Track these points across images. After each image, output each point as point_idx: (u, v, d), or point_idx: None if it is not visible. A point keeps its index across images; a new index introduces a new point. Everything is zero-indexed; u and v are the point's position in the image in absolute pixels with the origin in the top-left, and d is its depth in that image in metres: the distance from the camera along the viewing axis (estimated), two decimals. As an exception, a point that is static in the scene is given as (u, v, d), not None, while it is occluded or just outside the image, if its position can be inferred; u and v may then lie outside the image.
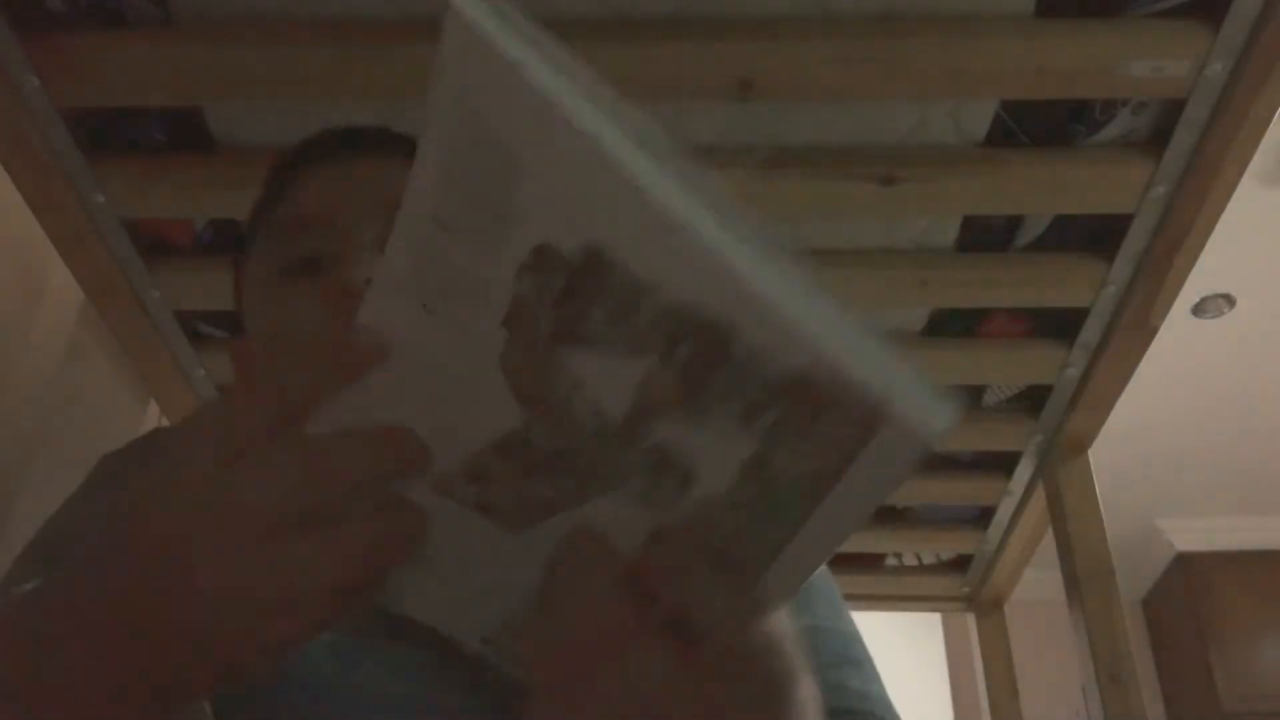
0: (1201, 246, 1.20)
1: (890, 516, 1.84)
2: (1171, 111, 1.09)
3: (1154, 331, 1.32)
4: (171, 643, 0.36)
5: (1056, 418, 1.50)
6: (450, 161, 0.32)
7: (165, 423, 1.58)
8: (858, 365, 0.29)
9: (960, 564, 1.98)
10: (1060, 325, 1.37)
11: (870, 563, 2.01)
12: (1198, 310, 2.77)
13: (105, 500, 0.69)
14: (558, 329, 0.33)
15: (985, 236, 1.27)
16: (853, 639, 0.65)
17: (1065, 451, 1.53)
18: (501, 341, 0.34)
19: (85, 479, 0.74)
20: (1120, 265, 1.25)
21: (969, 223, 1.26)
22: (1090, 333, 1.35)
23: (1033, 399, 1.51)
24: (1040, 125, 1.14)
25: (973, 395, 1.54)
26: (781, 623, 0.38)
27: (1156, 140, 1.13)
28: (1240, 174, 1.11)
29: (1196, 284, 2.09)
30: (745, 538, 0.35)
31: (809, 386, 0.29)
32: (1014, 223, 1.26)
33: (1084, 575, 1.45)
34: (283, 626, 0.36)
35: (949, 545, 1.92)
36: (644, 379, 0.32)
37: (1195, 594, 3.65)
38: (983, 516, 1.81)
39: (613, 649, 0.35)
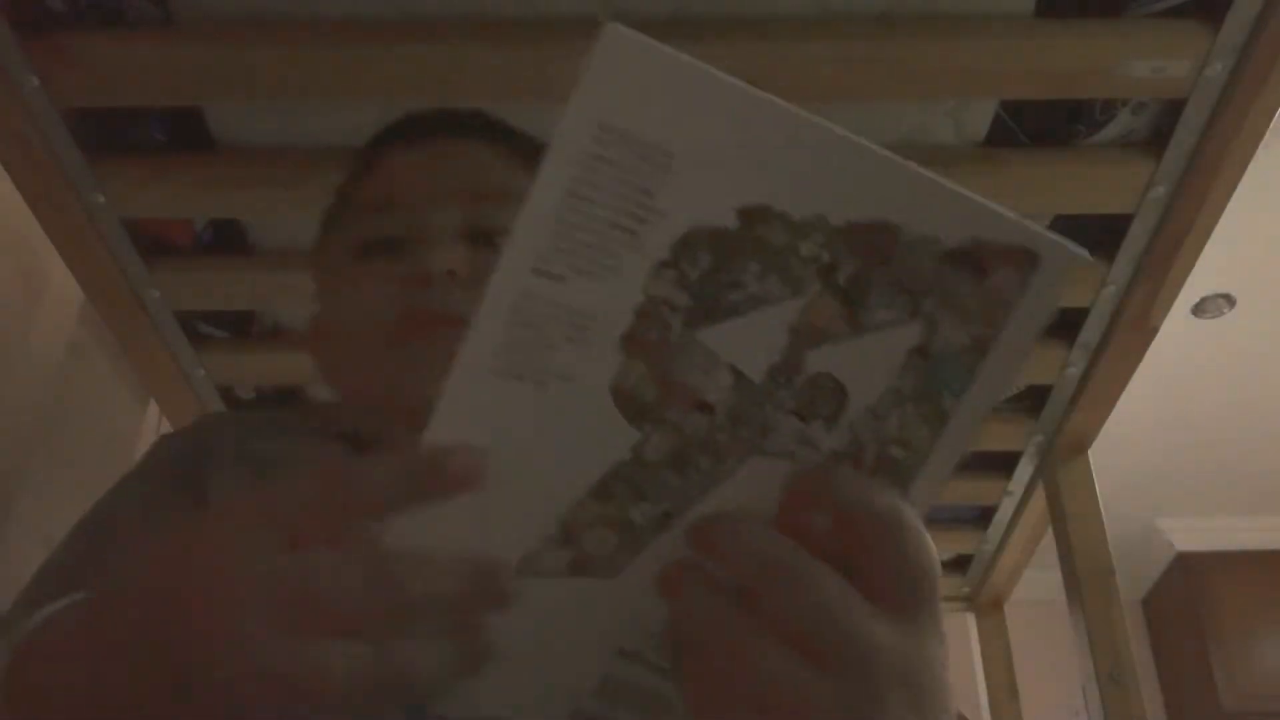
0: (1202, 246, 1.20)
1: (890, 516, 1.84)
2: (1171, 111, 1.09)
3: (1154, 331, 1.32)
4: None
5: (1056, 418, 1.50)
6: (572, 199, 0.33)
7: (165, 424, 1.58)
8: (1008, 217, 0.35)
9: (960, 564, 1.98)
10: (1060, 325, 1.37)
11: (870, 563, 2.01)
12: (1198, 310, 2.77)
13: (157, 489, 0.68)
14: (699, 309, 0.35)
15: (985, 236, 1.27)
16: None
17: (1065, 451, 1.53)
18: (614, 367, 0.35)
19: (142, 459, 0.73)
20: (1120, 265, 1.25)
21: (969, 223, 1.26)
22: (1090, 333, 1.35)
23: (1033, 399, 1.51)
24: (1040, 125, 1.14)
25: (973, 395, 1.54)
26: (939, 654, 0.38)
27: (1156, 140, 1.13)
28: (1241, 174, 1.11)
29: (1196, 284, 2.08)
30: (905, 435, 0.38)
31: (976, 251, 0.35)
32: (1014, 223, 1.26)
33: (1084, 575, 1.45)
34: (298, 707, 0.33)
35: (949, 545, 1.92)
36: (801, 315, 0.35)
37: (1195, 594, 3.65)
38: (982, 516, 1.81)
39: (753, 673, 0.34)
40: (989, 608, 2.03)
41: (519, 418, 0.35)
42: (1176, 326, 2.44)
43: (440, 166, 0.71)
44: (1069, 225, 1.25)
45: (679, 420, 0.36)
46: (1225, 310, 2.78)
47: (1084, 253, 0.36)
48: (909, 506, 0.37)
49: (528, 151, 0.75)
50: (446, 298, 0.66)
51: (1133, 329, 1.31)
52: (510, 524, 0.37)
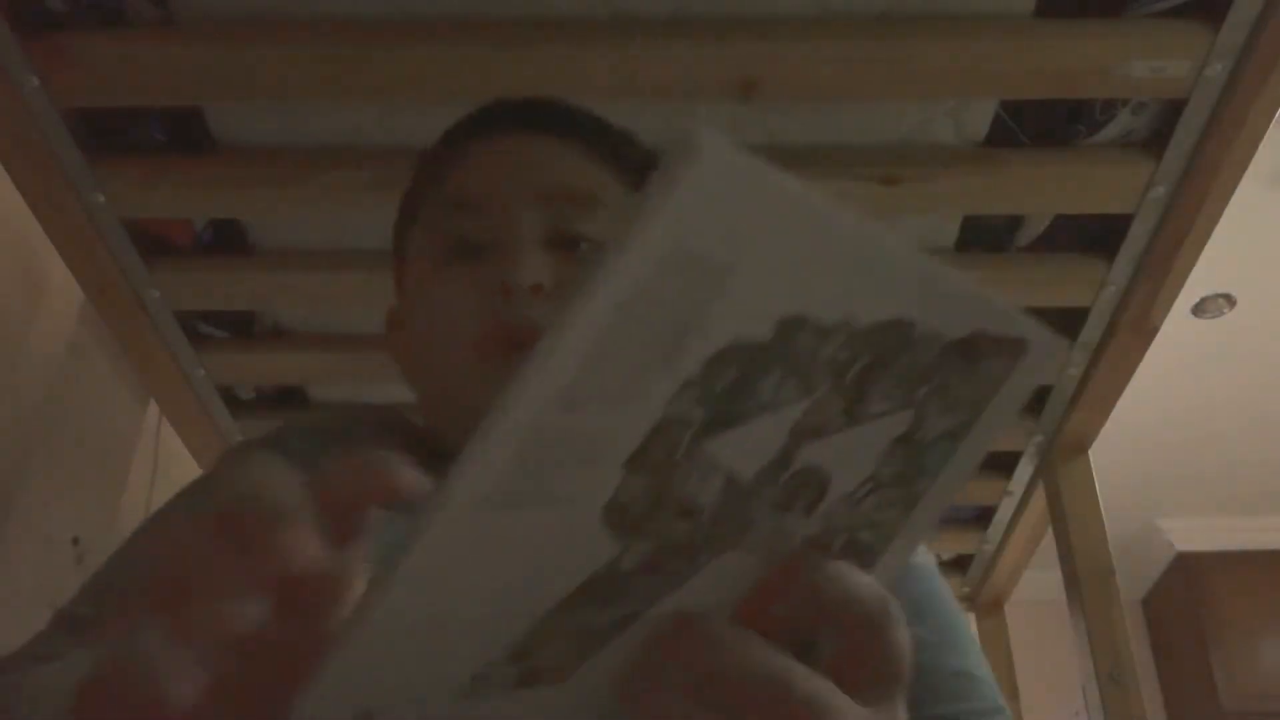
0: (1202, 246, 1.20)
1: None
2: (1171, 112, 1.09)
3: (1154, 331, 1.32)
4: None
5: (1057, 418, 1.50)
6: (618, 327, 0.28)
7: (165, 424, 1.58)
8: (1009, 312, 0.36)
9: (960, 564, 1.98)
10: (1060, 325, 1.37)
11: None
12: (1198, 310, 2.77)
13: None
14: (712, 422, 0.32)
15: (985, 237, 1.27)
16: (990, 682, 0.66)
17: (1065, 451, 1.53)
18: (612, 486, 0.31)
19: (212, 468, 0.75)
20: (1120, 265, 1.25)
21: (969, 223, 1.26)
22: (1090, 333, 1.35)
23: (1033, 399, 1.51)
24: (1040, 125, 1.14)
25: (973, 395, 1.54)
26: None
27: (1156, 140, 1.13)
28: (1241, 174, 1.11)
29: (1196, 284, 2.08)
30: (877, 519, 0.38)
31: (974, 342, 0.35)
32: (1014, 223, 1.26)
33: (1084, 575, 1.45)
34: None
35: (949, 545, 1.92)
36: (805, 415, 0.33)
37: (1195, 594, 3.65)
38: (983, 516, 1.81)
39: None
40: (989, 608, 2.03)
41: (505, 543, 0.31)
42: (1176, 326, 2.45)
43: (528, 166, 0.69)
44: (1069, 225, 1.25)
45: (662, 529, 0.33)
46: (1225, 310, 2.78)
47: (1064, 342, 0.38)
48: (893, 599, 0.36)
49: (619, 151, 0.74)
50: (531, 313, 0.65)
51: (1133, 329, 1.31)
52: (469, 644, 0.33)
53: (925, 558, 0.72)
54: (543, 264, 0.66)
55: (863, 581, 0.36)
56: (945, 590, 0.69)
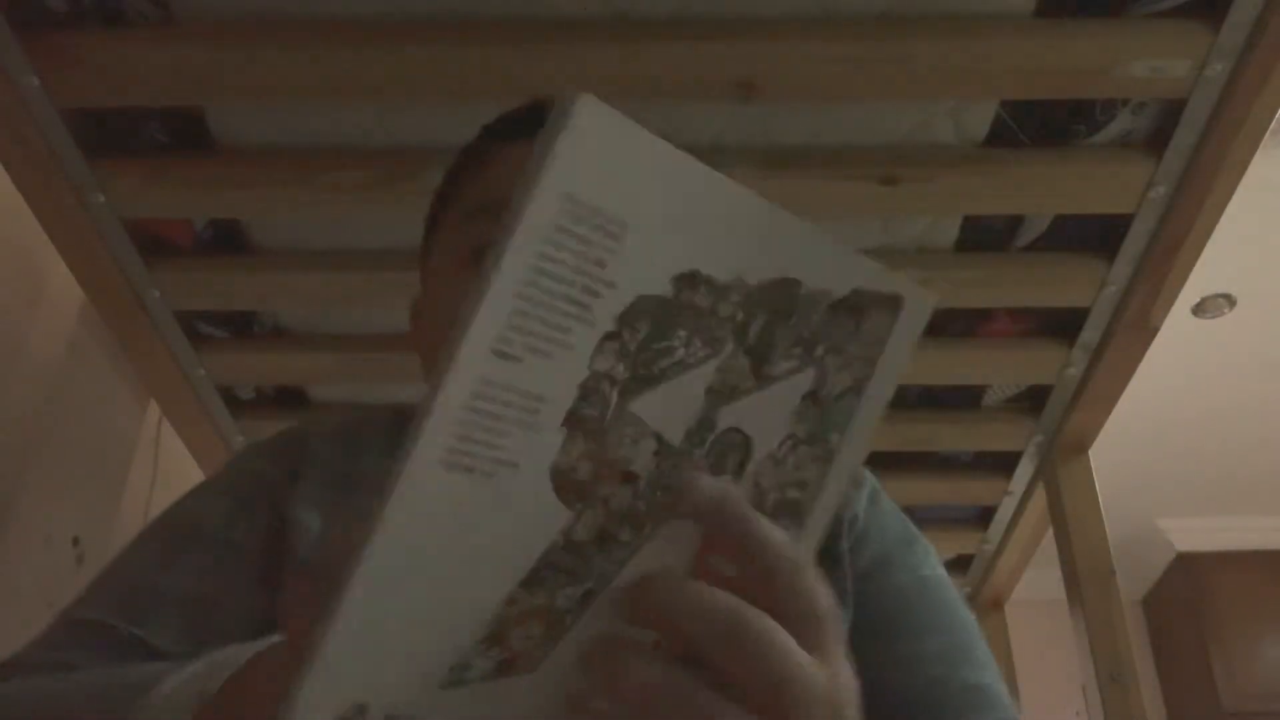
0: (1202, 246, 1.20)
1: (890, 516, 1.84)
2: (1172, 111, 1.09)
3: (1154, 331, 1.32)
4: None
5: (1057, 418, 1.50)
6: (534, 273, 0.31)
7: (165, 424, 1.58)
8: (880, 269, 0.39)
9: (961, 564, 1.98)
10: (1061, 325, 1.37)
11: (870, 563, 2.01)
12: (1198, 310, 2.77)
13: (237, 504, 0.69)
14: (634, 379, 0.35)
15: (985, 236, 1.27)
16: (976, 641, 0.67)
17: (1065, 451, 1.53)
18: (555, 449, 0.34)
19: (226, 468, 0.75)
20: (1120, 265, 1.25)
21: (969, 223, 1.26)
22: (1091, 333, 1.35)
23: (1033, 399, 1.51)
24: (1040, 125, 1.14)
25: (973, 395, 1.54)
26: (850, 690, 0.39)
27: (1157, 140, 1.13)
28: (1241, 174, 1.11)
29: (1197, 284, 2.08)
30: (801, 476, 0.41)
31: (855, 301, 0.39)
32: (1014, 223, 1.26)
33: (1084, 575, 1.45)
34: None
35: (950, 545, 1.92)
36: (716, 375, 0.37)
37: (1195, 594, 3.65)
38: (983, 516, 1.81)
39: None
40: (989, 607, 2.03)
41: (463, 514, 0.32)
42: (1176, 326, 2.45)
43: None
44: (1069, 225, 1.25)
45: (606, 495, 0.35)
46: (1225, 310, 2.77)
47: (933, 295, 0.42)
48: (802, 546, 0.39)
49: None
50: None
51: (1133, 329, 1.31)
52: (447, 630, 0.34)
53: (939, 570, 0.71)
54: None
55: (769, 530, 0.37)
56: (959, 601, 0.70)
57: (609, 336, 0.33)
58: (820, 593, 0.38)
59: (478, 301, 0.31)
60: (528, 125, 0.73)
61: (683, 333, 0.35)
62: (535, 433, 0.33)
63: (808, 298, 0.38)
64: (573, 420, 0.33)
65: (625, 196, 0.32)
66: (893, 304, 0.40)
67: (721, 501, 0.36)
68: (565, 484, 0.34)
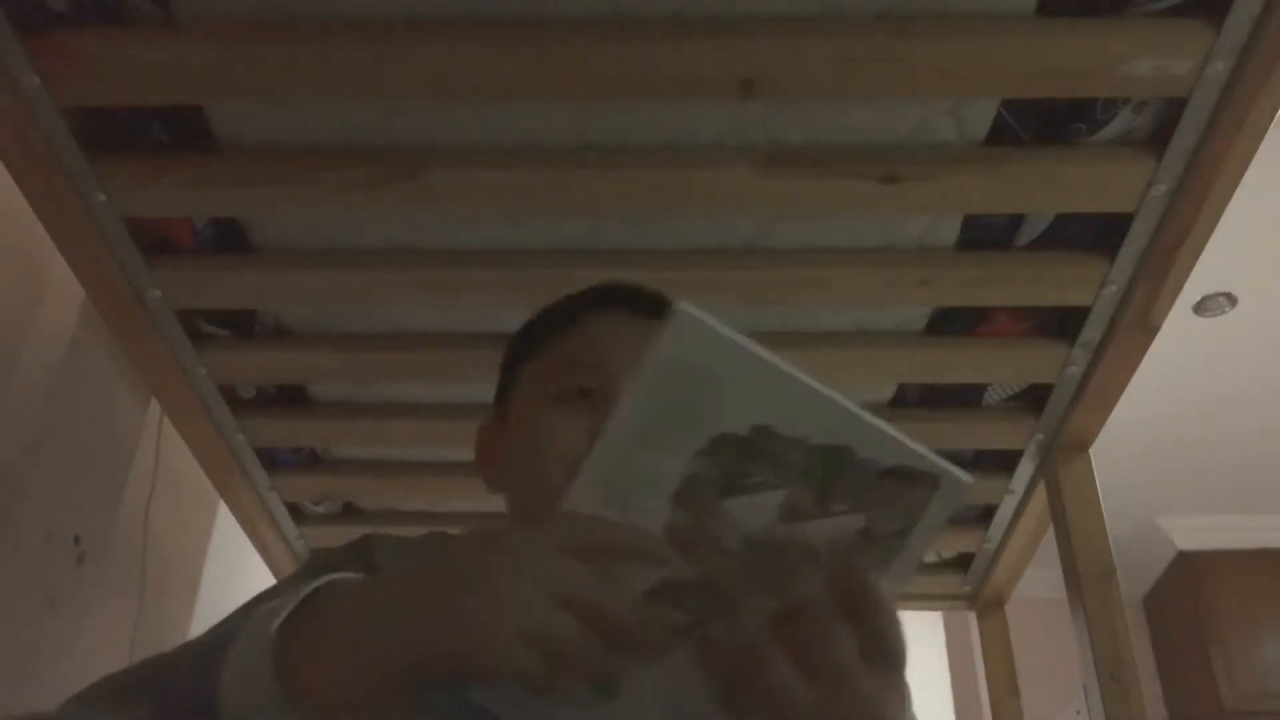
0: (1203, 245, 1.20)
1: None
2: (1173, 110, 1.09)
3: (1155, 330, 1.32)
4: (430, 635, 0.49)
5: (1058, 416, 1.50)
6: (658, 400, 0.51)
7: (166, 423, 1.58)
8: (922, 453, 0.52)
9: (961, 563, 1.98)
10: (1061, 324, 1.37)
11: (871, 562, 2.01)
12: (1199, 309, 2.77)
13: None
14: (726, 486, 0.53)
15: (986, 235, 1.27)
16: None
17: (1066, 450, 1.52)
18: (664, 516, 0.53)
19: (296, 571, 0.86)
20: (1121, 264, 1.25)
21: (970, 222, 1.26)
22: (1091, 331, 1.35)
23: (1034, 398, 1.51)
24: (1041, 124, 1.14)
25: (974, 394, 1.53)
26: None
27: (1158, 139, 1.13)
28: (1242, 173, 1.11)
29: (1197, 283, 2.08)
30: None
31: (899, 471, 0.52)
32: (1015, 222, 1.26)
33: (1085, 574, 1.45)
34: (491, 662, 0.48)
35: (950, 544, 1.92)
36: (787, 499, 0.53)
37: (1196, 593, 3.65)
38: (984, 515, 1.81)
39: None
40: (990, 606, 2.03)
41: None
42: (1177, 326, 2.45)
43: (625, 339, 0.82)
44: (1070, 224, 1.25)
45: (707, 556, 0.53)
46: (1226, 309, 2.78)
47: (969, 479, 0.53)
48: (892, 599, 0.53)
49: None
50: None
51: (1134, 328, 1.31)
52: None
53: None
54: None
55: (877, 579, 0.52)
56: None
57: (702, 452, 0.52)
58: (901, 635, 0.53)
59: (620, 406, 0.52)
60: (613, 301, 0.87)
61: (761, 464, 0.52)
62: (651, 499, 0.53)
63: (859, 463, 0.52)
64: (678, 498, 0.52)
65: (721, 366, 0.50)
66: (930, 481, 0.53)
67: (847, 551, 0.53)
68: (674, 540, 0.52)
